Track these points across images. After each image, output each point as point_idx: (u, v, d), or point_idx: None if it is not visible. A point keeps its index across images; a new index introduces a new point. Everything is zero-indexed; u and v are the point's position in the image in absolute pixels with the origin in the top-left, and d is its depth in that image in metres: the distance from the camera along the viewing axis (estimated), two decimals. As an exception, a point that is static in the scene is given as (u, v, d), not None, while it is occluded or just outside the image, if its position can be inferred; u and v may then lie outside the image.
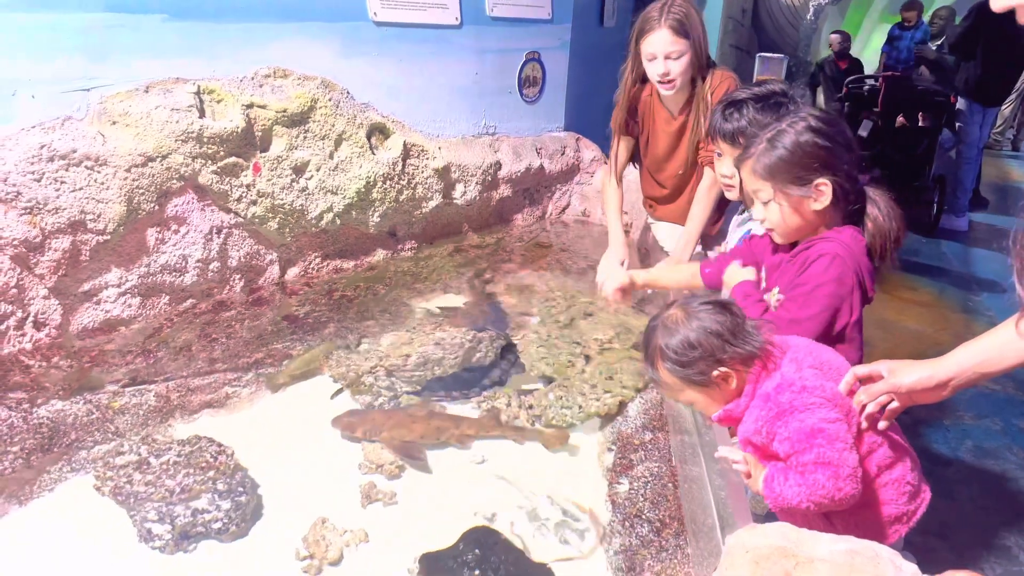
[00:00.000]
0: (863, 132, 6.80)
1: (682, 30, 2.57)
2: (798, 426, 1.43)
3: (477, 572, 1.80)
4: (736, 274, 2.02)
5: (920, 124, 6.58)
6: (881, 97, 6.75)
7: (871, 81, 7.09)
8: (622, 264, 2.96)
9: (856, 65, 9.54)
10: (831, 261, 1.69)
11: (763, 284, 1.96)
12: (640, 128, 3.00)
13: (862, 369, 1.52)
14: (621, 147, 3.05)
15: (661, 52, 2.60)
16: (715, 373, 1.55)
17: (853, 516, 1.55)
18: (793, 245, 1.86)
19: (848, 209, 1.76)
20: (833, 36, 9.66)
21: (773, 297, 1.87)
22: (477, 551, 1.86)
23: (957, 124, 6.52)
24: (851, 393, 1.52)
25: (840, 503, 1.39)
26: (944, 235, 6.60)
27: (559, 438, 2.39)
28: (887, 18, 13.09)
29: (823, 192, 1.69)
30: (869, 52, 13.11)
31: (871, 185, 1.82)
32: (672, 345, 1.57)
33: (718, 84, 2.70)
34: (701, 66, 2.69)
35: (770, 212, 1.79)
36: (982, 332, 1.43)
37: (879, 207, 1.79)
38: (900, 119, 6.62)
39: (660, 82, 2.67)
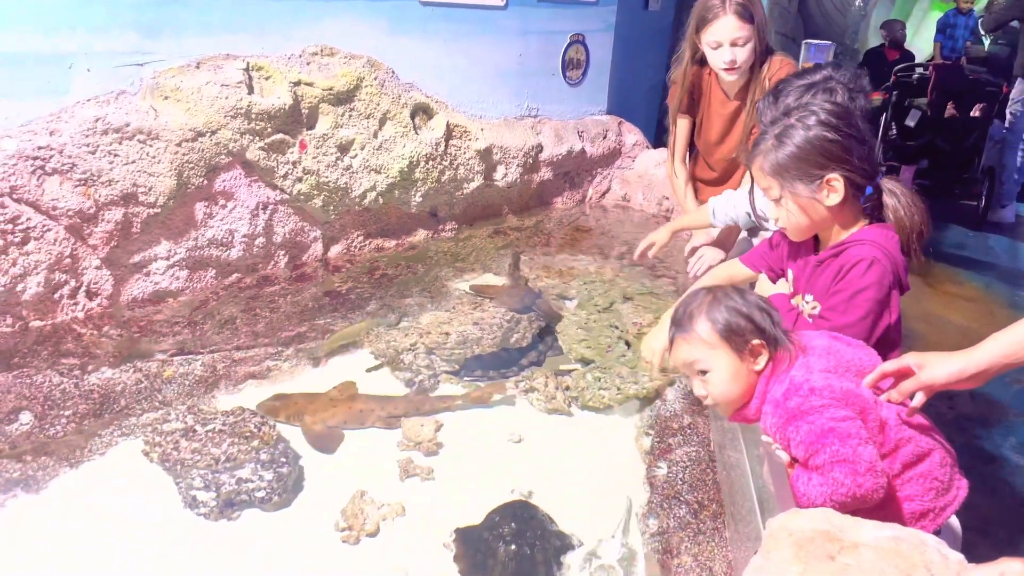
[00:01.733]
0: (911, 122, 6.65)
1: (747, 15, 2.54)
2: (808, 428, 1.42)
3: (513, 547, 1.82)
4: (765, 288, 2.01)
5: (971, 114, 6.41)
6: (931, 86, 6.59)
7: (920, 69, 6.92)
8: (712, 243, 2.95)
9: (907, 57, 9.29)
10: (869, 266, 1.65)
11: (789, 291, 1.93)
12: (698, 106, 2.97)
13: (890, 365, 1.47)
14: (681, 127, 3.02)
15: (727, 39, 2.56)
16: (755, 342, 1.53)
17: (876, 512, 1.52)
18: (816, 247, 1.82)
19: (865, 203, 1.72)
20: (886, 24, 9.39)
21: (808, 306, 1.83)
22: (513, 524, 1.87)
23: (1008, 112, 6.33)
24: (877, 390, 1.48)
25: (864, 499, 1.37)
26: (991, 228, 6.44)
27: (484, 397, 2.44)
28: (938, 6, 12.73)
29: (835, 188, 1.66)
30: (920, 41, 12.77)
31: (890, 176, 1.78)
32: (723, 305, 1.56)
33: (776, 70, 2.65)
34: (762, 50, 2.65)
35: (781, 210, 1.75)
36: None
37: (899, 199, 1.74)
38: (950, 109, 6.46)
39: (725, 69, 2.63)
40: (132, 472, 2.03)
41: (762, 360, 1.54)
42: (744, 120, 2.80)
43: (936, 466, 1.54)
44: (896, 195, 1.74)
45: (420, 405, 2.38)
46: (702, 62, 2.79)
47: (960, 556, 1.22)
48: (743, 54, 2.58)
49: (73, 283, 2.71)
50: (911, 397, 1.46)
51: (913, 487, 1.53)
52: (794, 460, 1.51)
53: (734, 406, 1.59)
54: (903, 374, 1.46)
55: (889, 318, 1.70)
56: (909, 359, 1.45)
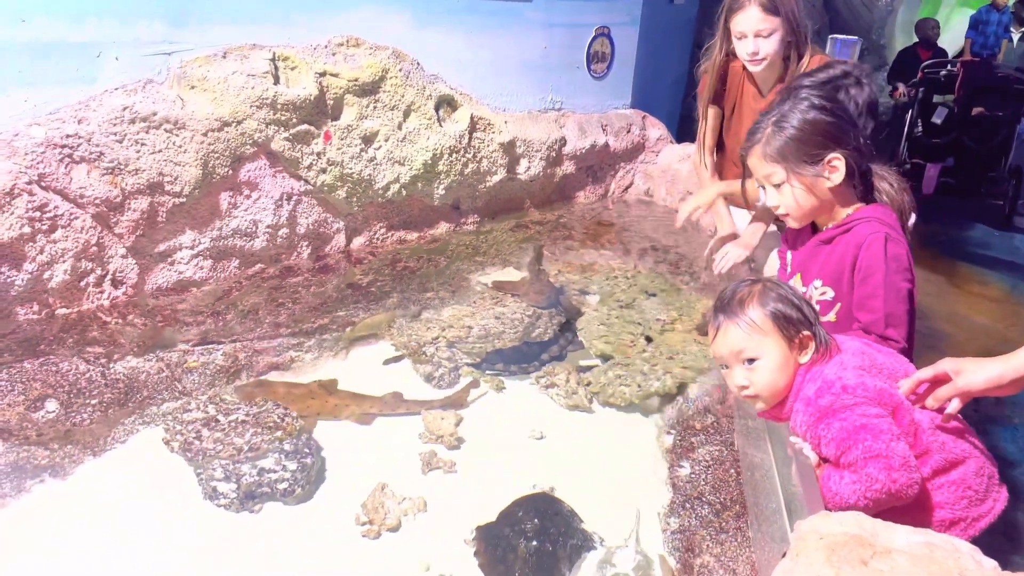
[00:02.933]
0: (937, 119, 6.56)
1: (772, 7, 2.49)
2: (840, 426, 1.41)
3: (535, 543, 1.81)
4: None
5: (1000, 113, 6.30)
6: (958, 83, 6.49)
7: (948, 66, 6.81)
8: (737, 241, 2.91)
9: (940, 55, 9.12)
10: (885, 241, 1.67)
11: (788, 272, 1.95)
12: (727, 99, 2.92)
13: (926, 372, 1.46)
14: (710, 117, 2.98)
15: (751, 30, 2.53)
16: (805, 332, 1.53)
17: (902, 516, 1.50)
18: (814, 231, 1.84)
19: (858, 186, 1.76)
20: (920, 23, 9.21)
21: (817, 292, 1.82)
22: (536, 521, 1.86)
23: None
24: (916, 396, 1.47)
25: (899, 495, 1.35)
26: (1018, 229, 6.34)
27: (459, 399, 2.43)
28: (967, 1, 12.53)
29: (836, 167, 1.70)
30: (948, 38, 12.59)
31: (875, 161, 1.81)
32: (774, 295, 1.56)
33: (821, 61, 2.61)
34: (798, 43, 2.60)
35: (784, 196, 1.77)
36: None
37: (888, 181, 1.79)
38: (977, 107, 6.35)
39: (750, 61, 2.60)
40: (153, 461, 2.05)
41: (808, 353, 1.54)
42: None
43: (971, 474, 1.51)
44: (885, 177, 1.79)
45: (395, 407, 2.38)
46: (735, 53, 2.75)
47: (994, 563, 1.20)
48: (767, 46, 2.54)
49: (99, 271, 2.73)
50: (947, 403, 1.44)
51: (944, 494, 1.51)
52: (823, 460, 1.50)
53: (776, 398, 1.57)
54: (939, 380, 1.44)
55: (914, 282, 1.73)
56: (946, 365, 1.43)
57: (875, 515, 1.43)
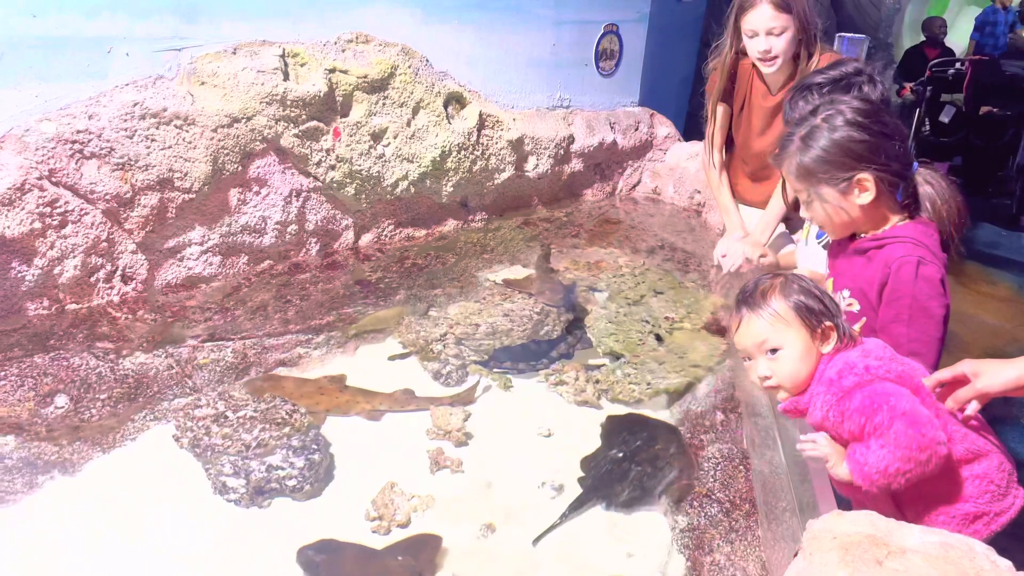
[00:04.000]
0: (945, 118, 6.55)
1: (784, 5, 2.49)
2: (863, 395, 1.42)
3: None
4: None
5: (1008, 111, 6.28)
6: (967, 82, 6.47)
7: (957, 65, 6.79)
8: (745, 239, 2.90)
9: (947, 54, 9.08)
10: (916, 265, 1.62)
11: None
12: (736, 97, 2.92)
13: (945, 373, 1.46)
14: (720, 114, 2.97)
15: (762, 28, 2.53)
16: (827, 323, 1.53)
17: (927, 508, 1.50)
18: (853, 237, 1.80)
19: (901, 197, 1.70)
20: (927, 22, 9.17)
21: (844, 303, 1.79)
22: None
23: None
24: (937, 397, 1.48)
25: (930, 454, 1.35)
26: (1025, 227, 6.32)
27: (468, 397, 2.43)
28: (974, 0, 12.47)
29: (866, 187, 1.64)
30: (955, 36, 12.54)
31: (926, 167, 1.75)
32: (796, 287, 1.56)
33: (831, 59, 2.61)
34: (808, 41, 2.60)
35: (814, 211, 1.74)
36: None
37: (935, 189, 1.71)
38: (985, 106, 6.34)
39: (761, 59, 2.60)
40: (163, 457, 2.05)
41: (831, 343, 1.54)
42: (778, 117, 2.75)
43: (994, 469, 1.52)
44: (932, 185, 1.72)
45: (404, 404, 2.38)
46: (745, 52, 2.74)
47: (1008, 563, 1.20)
48: (779, 44, 2.54)
49: (109, 267, 2.73)
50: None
51: (969, 487, 1.51)
52: (844, 444, 1.49)
53: (798, 388, 1.57)
54: (958, 381, 1.44)
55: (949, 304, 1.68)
56: (964, 367, 1.44)
57: (906, 489, 1.43)
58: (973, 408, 1.43)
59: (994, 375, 1.40)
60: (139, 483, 1.96)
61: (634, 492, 2.02)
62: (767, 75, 2.69)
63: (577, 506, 1.96)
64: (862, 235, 1.77)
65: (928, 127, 6.72)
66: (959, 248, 1.74)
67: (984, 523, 1.51)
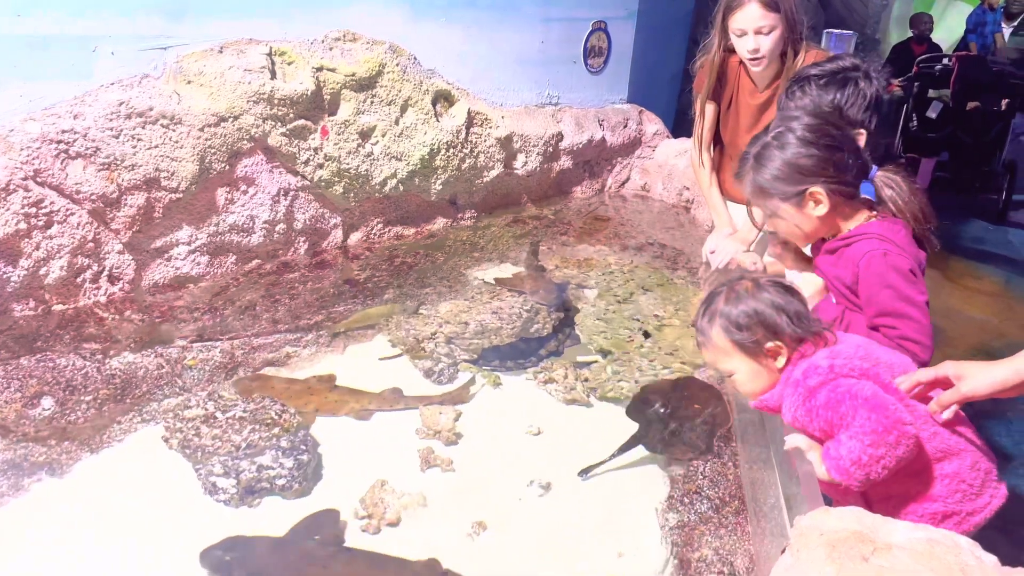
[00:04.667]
0: (932, 113, 6.55)
1: (772, 3, 2.47)
2: (827, 392, 1.43)
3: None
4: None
5: (994, 107, 6.30)
6: (953, 77, 6.49)
7: (944, 60, 6.81)
8: (733, 236, 2.87)
9: (933, 50, 9.12)
10: (883, 255, 1.64)
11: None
12: (723, 94, 2.90)
13: (926, 374, 1.45)
14: (708, 112, 2.94)
15: (751, 27, 2.51)
16: (769, 345, 1.53)
17: (896, 508, 1.50)
18: (822, 241, 1.81)
19: (860, 198, 1.72)
20: (914, 18, 9.21)
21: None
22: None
23: None
24: (916, 396, 1.47)
25: (897, 435, 1.34)
26: (1012, 223, 6.36)
27: (461, 396, 2.42)
28: (963, -4, 12.53)
29: (819, 199, 1.67)
30: (942, 32, 12.59)
31: (887, 169, 1.76)
32: (735, 309, 1.55)
33: (817, 57, 2.60)
34: (794, 39, 2.59)
35: (777, 224, 1.78)
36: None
37: (896, 190, 1.73)
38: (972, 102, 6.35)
39: (751, 59, 2.58)
40: (152, 458, 2.04)
41: (781, 360, 1.54)
42: (773, 113, 2.74)
43: (966, 468, 1.50)
44: (892, 188, 1.73)
45: (393, 403, 2.37)
46: (731, 49, 2.74)
47: (994, 559, 1.20)
48: (768, 43, 2.53)
49: (95, 267, 2.72)
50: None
51: (939, 486, 1.50)
52: (819, 442, 1.49)
53: (761, 394, 1.60)
54: (939, 383, 1.43)
55: (926, 294, 1.67)
56: (947, 368, 1.42)
57: (874, 487, 1.44)
58: (950, 413, 1.42)
59: (980, 378, 1.37)
60: (129, 484, 1.95)
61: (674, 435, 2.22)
62: (754, 73, 2.69)
63: (626, 448, 2.15)
64: (830, 237, 1.79)
65: (916, 123, 6.72)
66: (934, 245, 1.75)
67: (955, 523, 1.50)
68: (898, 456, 1.37)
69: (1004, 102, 6.29)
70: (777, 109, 2.18)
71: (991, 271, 5.25)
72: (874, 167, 1.76)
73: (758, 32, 2.52)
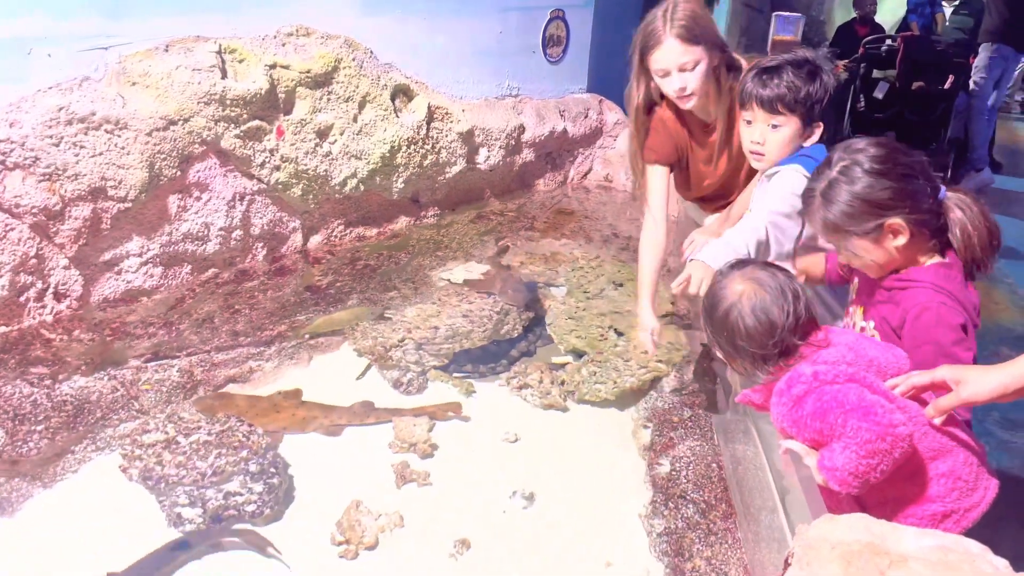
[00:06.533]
0: (879, 94, 6.65)
1: (691, 36, 2.22)
2: (813, 401, 1.40)
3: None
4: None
5: (938, 86, 6.43)
6: (899, 57, 6.59)
7: (889, 41, 6.92)
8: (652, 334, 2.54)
9: (877, 31, 9.23)
10: (936, 312, 1.55)
11: (851, 296, 1.86)
12: (672, 153, 2.55)
13: (921, 379, 1.42)
14: (657, 178, 2.53)
15: (674, 65, 2.25)
16: (770, 366, 1.52)
17: (894, 511, 1.48)
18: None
19: (935, 228, 1.62)
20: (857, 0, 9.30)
21: (858, 321, 1.76)
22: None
23: (972, 81, 6.36)
24: (909, 397, 1.44)
25: (891, 441, 1.32)
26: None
27: (437, 412, 2.33)
28: (905, -23, 12.75)
29: (899, 231, 1.57)
30: (884, 12, 12.82)
31: (953, 189, 1.67)
32: (729, 345, 1.54)
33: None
34: (727, 62, 2.35)
35: (851, 259, 1.68)
36: (1003, 300, 1.34)
37: (966, 214, 1.63)
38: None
39: (679, 98, 2.32)
40: (111, 489, 1.92)
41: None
42: (730, 143, 2.46)
43: (960, 465, 1.49)
44: (963, 210, 1.63)
45: (364, 417, 2.29)
46: (656, 100, 2.48)
47: (1005, 562, 1.18)
48: (695, 79, 2.26)
49: (40, 285, 2.57)
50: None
51: (936, 486, 1.48)
52: (813, 448, 1.46)
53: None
54: (935, 387, 1.41)
55: (974, 349, 1.59)
56: (944, 373, 1.39)
57: (870, 492, 1.40)
58: (942, 419, 1.41)
59: (980, 383, 1.34)
60: (86, 520, 1.84)
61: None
62: (696, 109, 2.39)
63: None
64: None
65: (863, 103, 6.82)
66: (990, 268, 1.64)
67: (954, 521, 1.48)
68: (894, 459, 1.35)
69: (949, 81, 6.42)
70: (740, 94, 2.07)
71: (940, 249, 5.33)
72: (943, 190, 1.69)
73: (682, 69, 2.26)
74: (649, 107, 2.51)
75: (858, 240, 1.60)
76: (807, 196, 1.67)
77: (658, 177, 2.53)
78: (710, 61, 2.28)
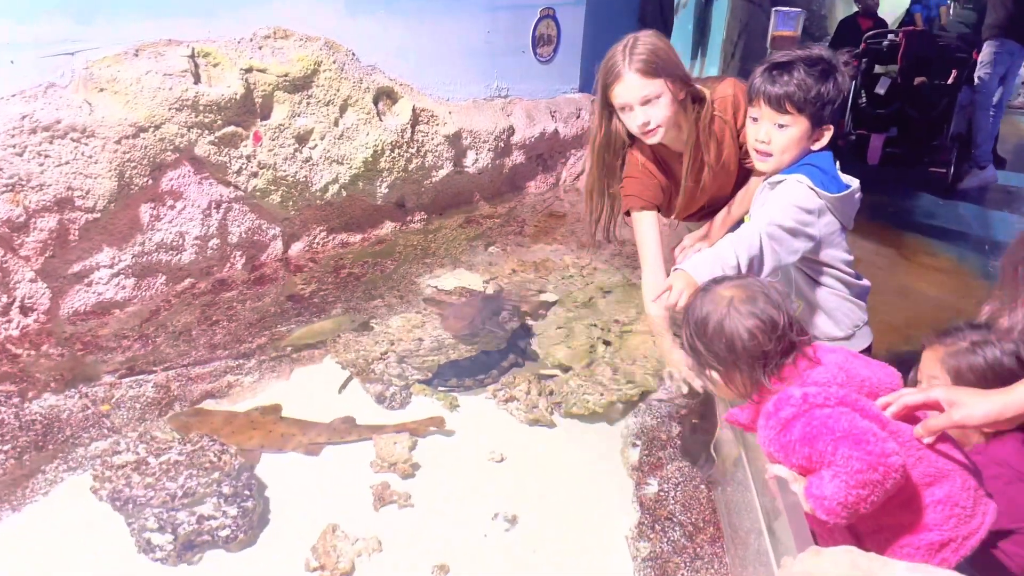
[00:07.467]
0: (880, 89, 6.58)
1: (651, 70, 2.16)
2: (801, 426, 1.36)
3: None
4: None
5: (941, 81, 6.36)
6: (901, 52, 6.52)
7: (891, 36, 6.84)
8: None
9: (880, 25, 9.14)
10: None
11: None
12: (655, 196, 2.46)
13: (914, 399, 1.39)
14: (648, 225, 2.43)
15: (636, 100, 2.19)
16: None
17: (888, 541, 1.42)
18: None
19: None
20: None
21: None
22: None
23: (976, 76, 6.29)
24: (901, 419, 1.40)
25: (883, 471, 1.27)
26: (961, 197, 6.42)
27: (419, 428, 2.26)
28: (908, -31, 12.64)
29: None
30: (887, 4, 12.72)
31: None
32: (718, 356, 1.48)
33: (722, 93, 2.31)
34: (691, 93, 2.28)
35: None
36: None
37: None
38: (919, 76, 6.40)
39: (643, 133, 2.25)
40: (80, 513, 1.87)
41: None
42: (726, 155, 2.41)
43: (957, 490, 1.42)
44: None
45: (345, 434, 2.22)
46: (624, 143, 2.40)
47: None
48: (658, 113, 2.21)
49: (5, 298, 2.50)
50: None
51: (932, 514, 1.41)
52: (801, 474, 1.41)
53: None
54: (928, 408, 1.37)
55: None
56: (938, 394, 1.36)
57: (862, 520, 1.35)
58: (932, 439, 1.37)
59: (974, 406, 1.32)
60: (55, 545, 1.78)
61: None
62: (670, 141, 2.34)
63: None
64: None
65: (864, 99, 6.76)
66: None
67: (952, 550, 1.42)
68: (885, 490, 1.29)
69: (952, 76, 6.35)
70: (749, 89, 1.99)
71: (943, 247, 5.26)
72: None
73: (645, 103, 2.20)
74: (615, 148, 2.42)
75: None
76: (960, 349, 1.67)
77: (648, 224, 2.43)
78: (673, 93, 2.21)
